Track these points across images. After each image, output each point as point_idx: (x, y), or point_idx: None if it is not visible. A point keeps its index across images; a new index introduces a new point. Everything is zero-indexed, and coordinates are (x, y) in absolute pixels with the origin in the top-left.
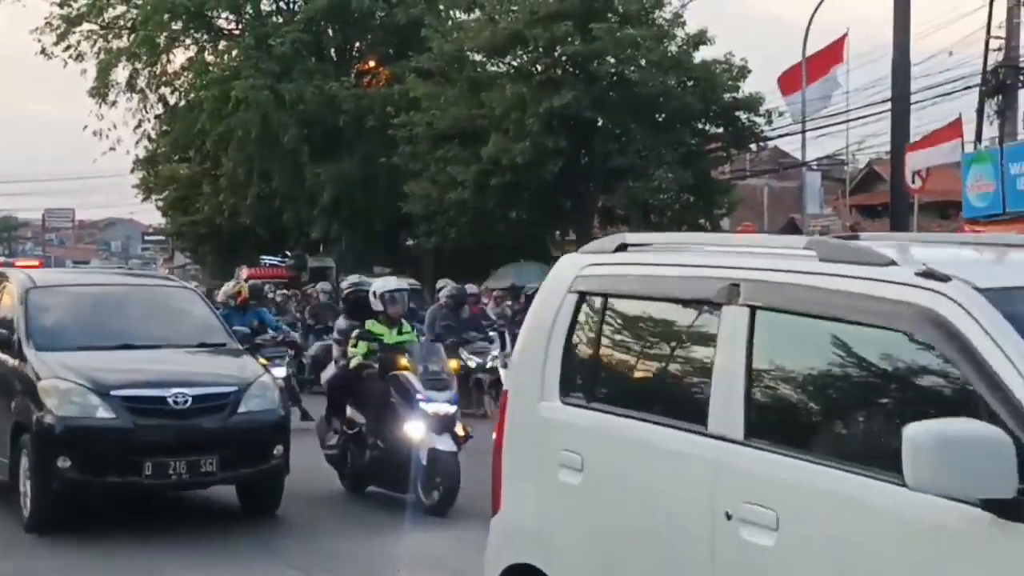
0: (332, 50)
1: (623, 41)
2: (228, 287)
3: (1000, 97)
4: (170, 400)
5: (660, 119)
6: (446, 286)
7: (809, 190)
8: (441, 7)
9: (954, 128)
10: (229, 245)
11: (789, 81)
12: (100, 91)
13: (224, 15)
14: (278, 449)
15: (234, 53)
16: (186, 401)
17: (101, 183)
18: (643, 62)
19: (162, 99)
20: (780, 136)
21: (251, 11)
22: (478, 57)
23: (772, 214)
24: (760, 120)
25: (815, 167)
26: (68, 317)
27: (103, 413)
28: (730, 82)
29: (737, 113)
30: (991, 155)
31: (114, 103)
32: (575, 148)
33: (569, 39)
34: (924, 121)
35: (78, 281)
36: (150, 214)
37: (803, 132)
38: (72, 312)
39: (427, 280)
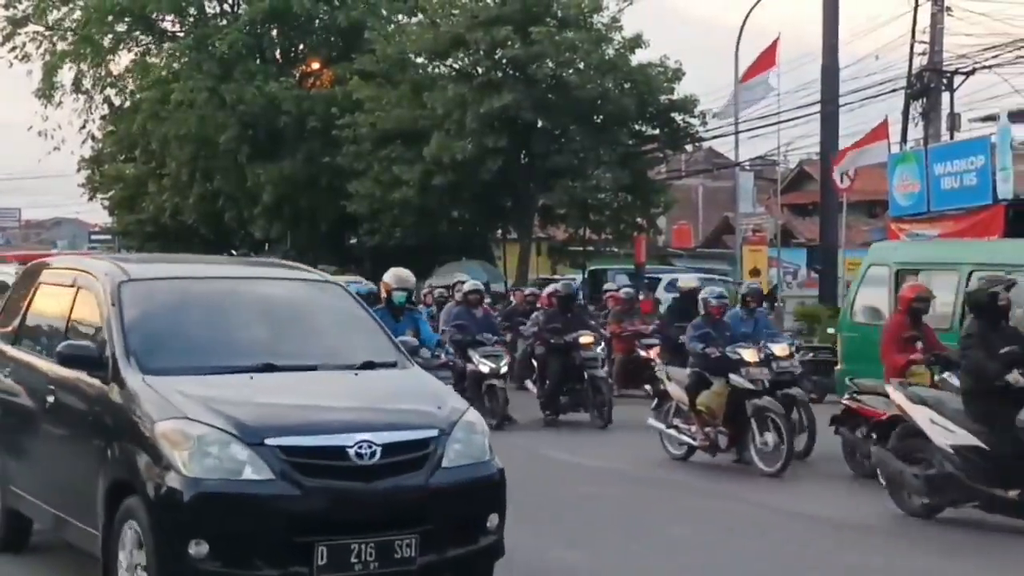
0: (275, 52)
1: (562, 44)
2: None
3: (925, 100)
4: (352, 452)
5: (598, 120)
6: (464, 282)
7: (742, 190)
8: (384, 11)
9: (881, 130)
10: (175, 244)
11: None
12: (45, 92)
13: (167, 17)
14: (492, 520)
15: (176, 54)
16: (373, 453)
17: (47, 183)
18: (581, 65)
19: (107, 100)
20: (714, 137)
21: (194, 13)
22: (420, 59)
23: (707, 213)
24: (695, 121)
25: (748, 167)
26: (182, 325)
27: (255, 472)
28: (666, 84)
29: (672, 115)
30: (916, 156)
31: (60, 104)
32: (515, 148)
33: (509, 42)
34: (852, 123)
35: (185, 273)
36: (96, 213)
37: (736, 133)
38: (187, 318)
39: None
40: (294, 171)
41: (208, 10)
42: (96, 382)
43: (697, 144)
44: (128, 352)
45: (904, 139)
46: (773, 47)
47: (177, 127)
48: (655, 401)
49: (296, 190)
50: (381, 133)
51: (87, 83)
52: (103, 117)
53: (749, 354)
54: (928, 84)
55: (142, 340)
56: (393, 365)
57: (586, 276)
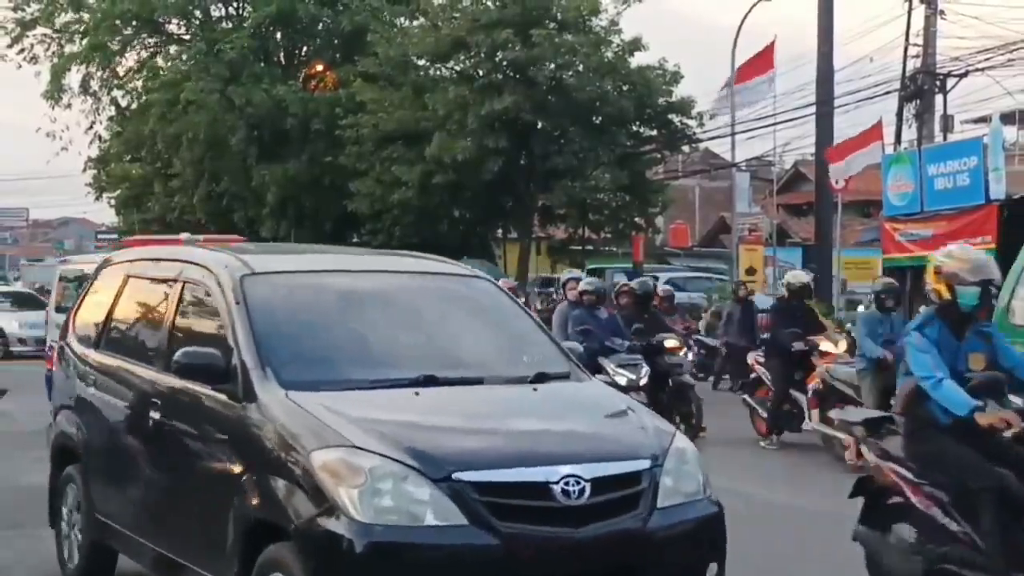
0: (280, 55)
1: (561, 47)
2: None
3: (918, 101)
4: (557, 490)
5: (597, 122)
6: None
7: (738, 190)
8: (386, 14)
9: (875, 131)
10: None
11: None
12: (53, 94)
13: (174, 21)
14: (712, 571)
15: (184, 57)
16: (582, 490)
17: (54, 183)
18: (580, 67)
19: (114, 101)
20: (711, 138)
21: (200, 16)
22: (422, 62)
23: (703, 213)
24: (692, 123)
25: (744, 168)
26: (323, 328)
27: (441, 516)
28: (664, 87)
29: (670, 116)
30: (910, 156)
31: (68, 105)
32: (515, 149)
33: (510, 45)
34: (847, 124)
35: (317, 265)
36: (102, 213)
37: (732, 135)
38: (327, 319)
39: None
40: (298, 171)
41: (214, 13)
42: (222, 397)
43: (694, 145)
44: (263, 361)
45: (898, 140)
46: (770, 49)
47: (186, 128)
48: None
49: (300, 190)
50: (383, 134)
51: (95, 85)
52: (110, 118)
53: None
54: (922, 86)
55: (278, 346)
56: (567, 376)
57: (585, 275)
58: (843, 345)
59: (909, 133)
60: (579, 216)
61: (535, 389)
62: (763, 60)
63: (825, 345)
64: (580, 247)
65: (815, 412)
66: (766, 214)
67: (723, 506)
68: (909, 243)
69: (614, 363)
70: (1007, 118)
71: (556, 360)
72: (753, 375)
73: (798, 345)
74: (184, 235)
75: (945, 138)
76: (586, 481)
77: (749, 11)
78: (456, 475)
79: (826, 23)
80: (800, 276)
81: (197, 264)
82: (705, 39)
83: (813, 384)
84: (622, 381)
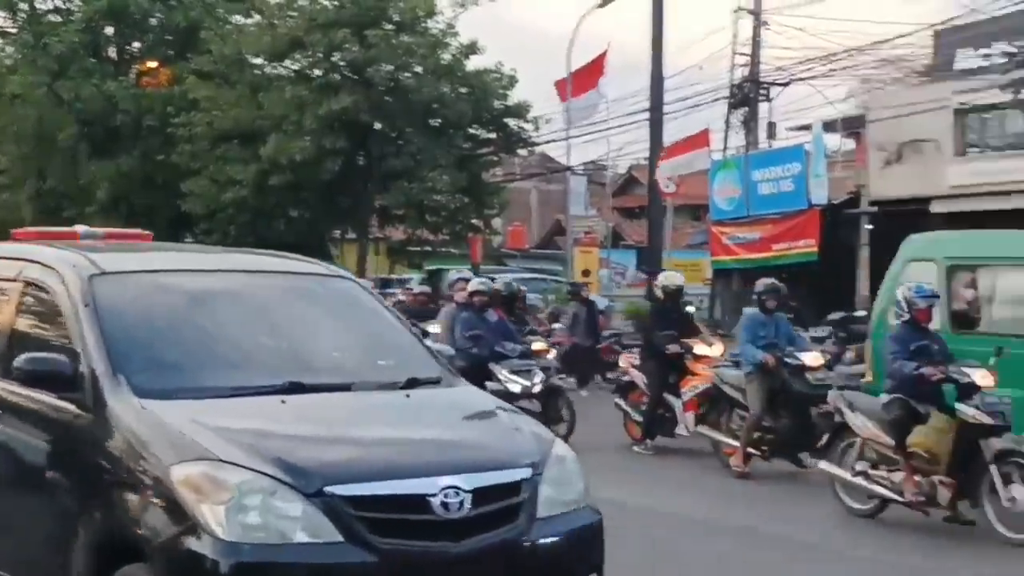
0: (111, 50)
1: (398, 48)
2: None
3: (745, 109)
4: (436, 502)
5: (435, 124)
6: (468, 278)
7: (574, 193)
8: (220, 11)
9: (702, 137)
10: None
11: (564, 90)
12: None
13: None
14: None
15: (10, 50)
16: (462, 502)
17: None
18: (418, 69)
19: None
20: (547, 142)
21: (26, 9)
22: (258, 60)
23: (541, 215)
24: (528, 126)
25: (580, 171)
26: (179, 331)
27: (313, 533)
28: (500, 90)
29: (507, 120)
30: (736, 162)
31: None
32: (353, 149)
33: (346, 45)
34: (678, 130)
35: (171, 264)
36: None
37: (568, 139)
38: (183, 322)
39: None
40: (131, 169)
41: (40, 6)
42: (69, 407)
43: (531, 148)
44: (114, 368)
45: (725, 146)
46: (603, 56)
47: (12, 122)
48: (825, 438)
49: (132, 188)
50: (218, 133)
51: None
52: None
53: (980, 376)
54: (748, 94)
55: (131, 352)
56: (438, 381)
57: (424, 275)
58: (718, 348)
59: (736, 139)
60: (417, 217)
61: (407, 395)
62: (596, 67)
63: (700, 348)
64: (418, 248)
65: (690, 416)
66: (601, 217)
67: (602, 514)
68: (736, 246)
69: (506, 369)
70: (829, 126)
71: (427, 364)
72: (627, 378)
73: (674, 347)
74: (81, 228)
75: (770, 145)
76: (466, 492)
77: (583, 18)
78: (329, 489)
79: (657, 32)
80: (675, 278)
81: (39, 263)
82: (541, 44)
83: (688, 388)
84: (515, 388)
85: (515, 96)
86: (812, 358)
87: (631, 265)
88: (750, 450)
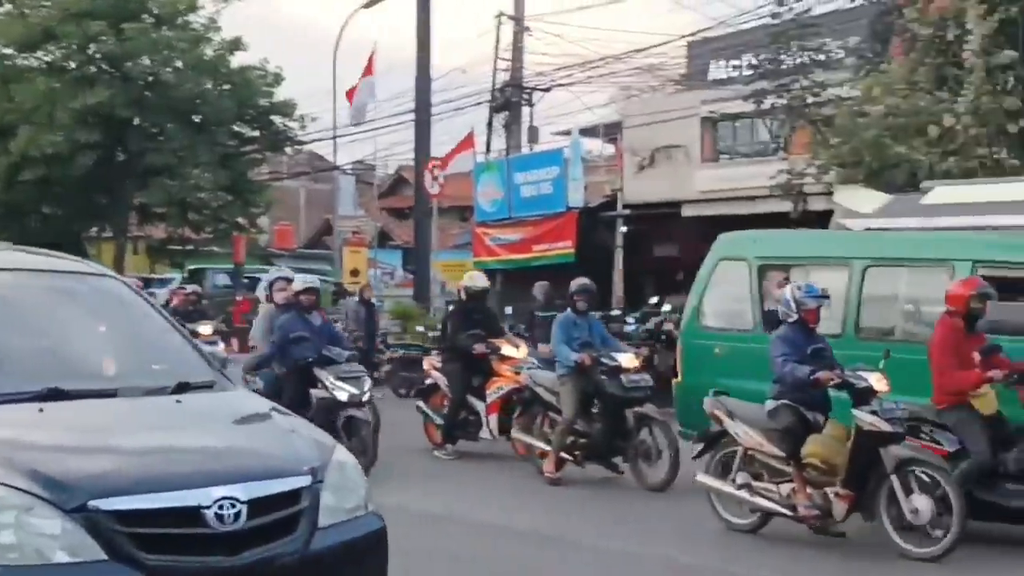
0: None
1: (158, 42)
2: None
3: (507, 113)
4: (210, 515)
5: (197, 120)
6: (289, 278)
7: (342, 193)
8: None
9: (467, 141)
10: None
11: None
12: None
13: None
14: None
15: None
16: (238, 514)
17: None
18: (179, 64)
19: None
20: (313, 141)
21: None
22: (8, 51)
23: (309, 214)
24: (294, 124)
25: (349, 171)
26: None
27: (74, 552)
28: (265, 88)
29: (272, 117)
30: (499, 165)
31: None
32: (110, 145)
33: (103, 37)
34: (443, 132)
35: None
36: None
37: (335, 138)
38: None
39: None
40: None
41: None
42: None
43: (297, 147)
44: None
45: (488, 149)
46: (371, 57)
47: None
48: (699, 448)
49: None
50: None
51: None
52: None
53: (876, 379)
54: (510, 98)
55: None
56: (211, 386)
57: (186, 275)
58: (524, 349)
59: (499, 142)
60: (179, 215)
61: (178, 401)
62: (366, 69)
63: (507, 349)
64: (180, 247)
65: (494, 419)
66: (369, 217)
67: (385, 521)
68: (498, 247)
69: (332, 375)
70: (592, 131)
71: (199, 367)
72: (429, 381)
73: (480, 348)
74: None
75: (531, 149)
76: (242, 503)
77: (350, 18)
78: (93, 504)
79: (424, 34)
80: (478, 278)
81: None
82: (308, 43)
83: (493, 389)
84: (343, 396)
85: (281, 94)
86: (628, 359)
87: (398, 265)
88: (563, 455)
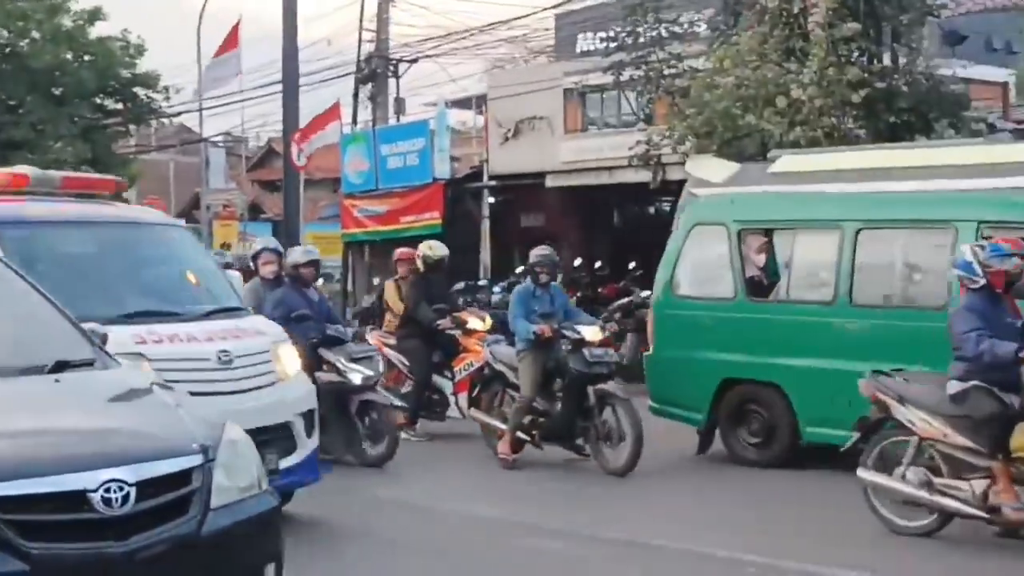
0: None
1: (12, 12)
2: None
3: (372, 84)
4: (97, 498)
5: (57, 93)
6: (278, 249)
7: (212, 166)
8: None
9: (334, 111)
10: None
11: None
12: None
13: None
14: (270, 571)
15: None
16: (126, 497)
17: None
18: (36, 35)
19: None
20: (179, 113)
21: None
22: None
23: (178, 188)
24: (158, 96)
25: (220, 144)
26: None
27: None
28: (127, 59)
29: (135, 89)
30: (365, 136)
31: None
32: None
33: None
34: (311, 103)
35: None
36: None
37: (200, 110)
38: None
39: None
40: None
41: None
42: None
43: (162, 120)
44: None
45: (355, 121)
46: (235, 28)
47: None
48: (855, 437)
49: None
50: None
51: None
52: None
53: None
54: (375, 70)
55: None
56: (92, 363)
57: None
58: (489, 321)
59: (365, 114)
60: None
61: (57, 380)
62: (230, 39)
63: (473, 322)
64: None
65: (463, 397)
66: (240, 190)
67: (279, 498)
68: (365, 218)
69: (344, 356)
70: (465, 103)
71: (77, 344)
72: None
73: (444, 322)
74: (30, 170)
75: (398, 120)
76: (130, 486)
77: None
78: None
79: (290, 3)
80: (437, 247)
81: None
82: (173, 13)
83: (462, 366)
84: (357, 379)
85: (144, 65)
86: (592, 332)
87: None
88: (520, 435)
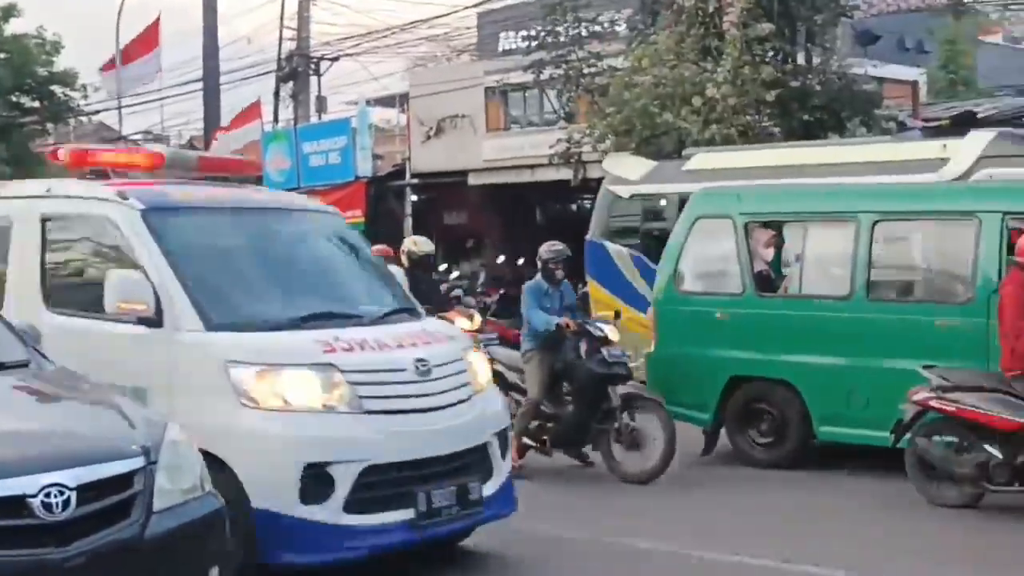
0: None
1: None
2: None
3: (294, 82)
4: (37, 503)
5: None
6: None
7: None
8: None
9: (254, 109)
10: None
11: (110, 62)
12: None
13: None
14: (214, 573)
15: None
16: (67, 501)
17: None
18: None
19: None
20: (98, 112)
21: None
22: None
23: None
24: (76, 95)
25: (140, 142)
26: None
27: None
28: (44, 56)
29: (52, 87)
30: (287, 134)
31: None
32: None
33: None
34: (231, 101)
35: None
36: None
37: (119, 108)
38: None
39: None
40: None
41: None
42: None
43: (80, 118)
44: None
45: (276, 119)
46: (155, 25)
47: None
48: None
49: None
50: None
51: None
52: None
53: None
54: (297, 68)
55: None
56: (26, 364)
57: None
58: (478, 320)
59: (287, 112)
60: None
61: None
62: (150, 36)
63: (460, 321)
64: None
65: None
66: None
67: (223, 501)
68: None
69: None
70: (388, 101)
71: (10, 345)
72: None
73: None
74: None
75: (320, 118)
76: (71, 490)
77: None
78: None
79: (210, 0)
80: (423, 243)
81: None
82: (91, 11)
83: None
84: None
85: (62, 63)
86: (613, 331)
87: None
88: (526, 441)
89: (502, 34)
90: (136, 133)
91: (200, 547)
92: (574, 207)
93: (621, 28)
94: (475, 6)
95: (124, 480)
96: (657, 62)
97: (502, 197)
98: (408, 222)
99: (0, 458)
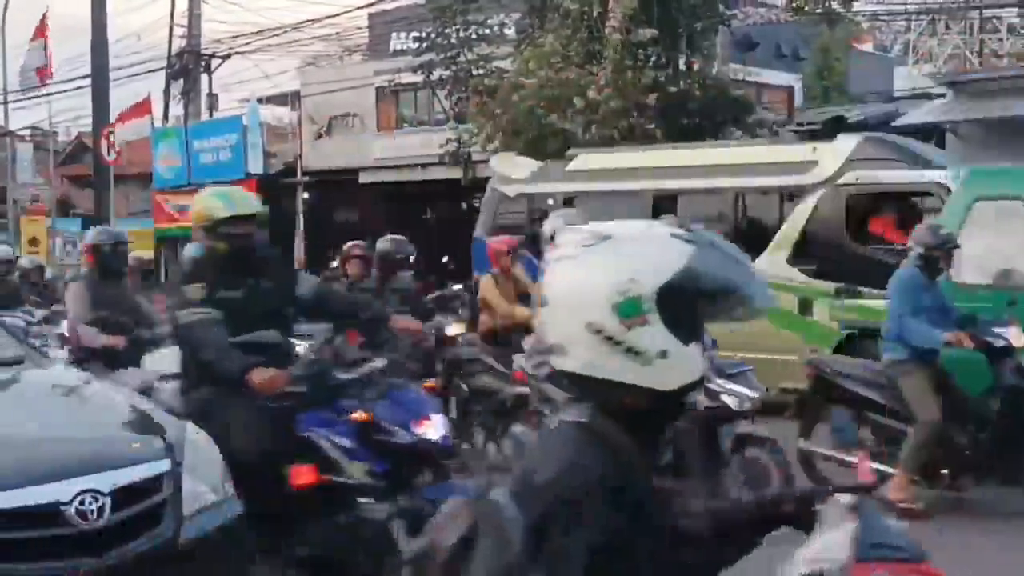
0: None
1: None
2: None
3: (184, 80)
4: (71, 511)
5: None
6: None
7: (21, 160)
8: None
9: (144, 106)
10: None
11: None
12: None
13: None
14: None
15: None
16: (102, 508)
17: None
18: None
19: None
20: None
21: None
22: None
23: None
24: None
25: (28, 138)
26: None
27: None
28: None
29: None
30: (177, 132)
31: None
32: None
33: None
34: (122, 97)
35: None
36: None
37: (5, 103)
38: None
39: None
40: None
41: None
42: None
43: None
44: None
45: (166, 116)
46: (43, 20)
47: None
48: None
49: None
50: None
51: None
52: None
53: None
54: (187, 65)
55: None
56: (21, 360)
57: None
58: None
59: (177, 109)
60: None
61: None
62: (38, 31)
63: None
64: None
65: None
66: (49, 185)
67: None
68: (178, 213)
69: (715, 371)
70: (281, 99)
71: (3, 340)
72: None
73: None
74: None
75: (211, 116)
76: (105, 496)
77: None
78: None
79: None
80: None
81: None
82: None
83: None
84: (733, 403)
85: None
86: (1016, 335)
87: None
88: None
89: (393, 35)
90: (23, 128)
91: (229, 553)
92: (464, 206)
93: (510, 31)
94: (366, 6)
95: (155, 483)
96: (544, 65)
97: (393, 195)
98: (300, 220)
99: (30, 462)
